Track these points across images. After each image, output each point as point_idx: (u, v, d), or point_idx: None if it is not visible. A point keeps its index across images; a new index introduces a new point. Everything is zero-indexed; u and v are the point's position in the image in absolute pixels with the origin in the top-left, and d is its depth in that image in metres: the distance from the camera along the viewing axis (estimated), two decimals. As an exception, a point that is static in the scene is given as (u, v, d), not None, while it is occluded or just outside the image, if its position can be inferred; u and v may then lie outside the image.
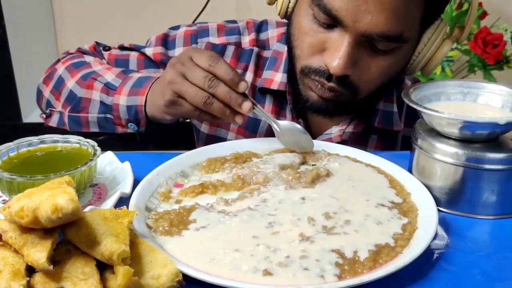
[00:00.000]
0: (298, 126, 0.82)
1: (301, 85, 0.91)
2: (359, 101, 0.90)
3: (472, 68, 2.17)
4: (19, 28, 2.29)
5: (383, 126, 0.99)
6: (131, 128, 0.92)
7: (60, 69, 1.01)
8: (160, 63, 1.03)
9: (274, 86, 0.98)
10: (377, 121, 0.98)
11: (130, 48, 1.07)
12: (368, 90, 0.88)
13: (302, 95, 0.91)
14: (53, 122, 1.01)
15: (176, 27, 1.07)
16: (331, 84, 0.85)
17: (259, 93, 1.01)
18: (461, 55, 2.18)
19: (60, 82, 0.99)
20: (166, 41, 1.05)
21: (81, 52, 1.07)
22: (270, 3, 0.94)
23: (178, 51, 1.03)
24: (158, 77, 0.88)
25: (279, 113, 1.01)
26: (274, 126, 0.82)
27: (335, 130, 0.97)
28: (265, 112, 0.81)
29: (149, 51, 1.04)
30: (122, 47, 1.08)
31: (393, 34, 0.80)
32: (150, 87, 0.88)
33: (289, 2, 0.90)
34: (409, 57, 0.89)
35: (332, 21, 0.81)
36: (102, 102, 0.94)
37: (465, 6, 2.07)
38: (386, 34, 0.79)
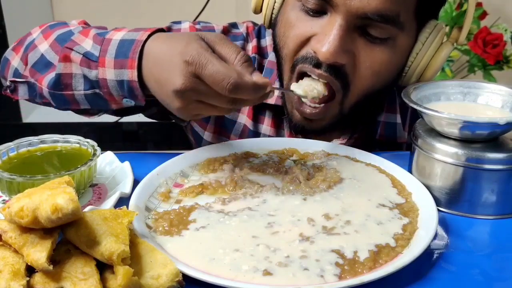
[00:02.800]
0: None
1: (287, 101, 0.85)
2: (350, 108, 0.83)
3: (472, 68, 2.17)
4: (19, 28, 2.29)
5: (385, 139, 0.94)
6: (127, 103, 0.78)
7: (35, 33, 0.87)
8: None
9: (271, 101, 0.93)
10: (379, 133, 0.94)
11: None
12: (359, 91, 0.81)
13: (287, 112, 0.85)
14: (22, 94, 0.85)
15: (179, 22, 1.01)
16: (320, 71, 0.77)
17: (257, 108, 0.96)
18: (461, 55, 2.19)
19: (30, 44, 0.85)
20: None
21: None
22: (256, 12, 0.89)
23: None
24: (146, 39, 0.72)
25: (278, 127, 0.96)
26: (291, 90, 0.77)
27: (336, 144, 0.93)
28: (285, 89, 0.78)
29: None
30: None
31: (388, 13, 0.74)
32: (138, 56, 0.71)
33: (274, 4, 0.86)
34: (405, 57, 0.82)
35: (321, 6, 0.76)
36: (85, 77, 0.77)
37: (465, 6, 2.07)
38: (380, 12, 0.73)
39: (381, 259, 0.59)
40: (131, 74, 0.72)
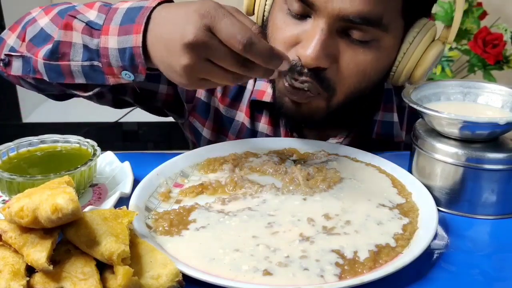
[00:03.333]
0: None
1: (277, 91, 0.85)
2: (338, 106, 0.82)
3: (472, 68, 2.18)
4: (19, 28, 2.29)
5: (382, 138, 0.94)
6: (126, 77, 0.73)
7: (35, 11, 0.83)
8: None
9: (267, 99, 0.93)
10: (375, 132, 0.94)
11: None
12: (346, 90, 0.80)
13: (277, 102, 0.85)
14: (16, 69, 0.81)
15: None
16: (303, 77, 0.76)
17: (255, 106, 0.96)
18: (461, 55, 2.19)
19: (29, 20, 0.82)
20: None
21: None
22: (249, 14, 0.88)
23: None
24: (155, 6, 0.70)
25: (275, 125, 0.97)
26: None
27: (332, 143, 0.92)
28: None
29: None
30: None
31: (370, 15, 0.73)
32: (147, 20, 0.68)
33: (265, 6, 0.86)
34: (392, 57, 0.81)
35: (305, 9, 0.75)
36: (85, 46, 0.74)
37: (465, 7, 2.07)
38: (362, 14, 0.72)
39: (381, 259, 0.59)
40: (135, 40, 0.69)
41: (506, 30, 2.13)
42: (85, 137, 0.77)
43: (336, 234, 0.63)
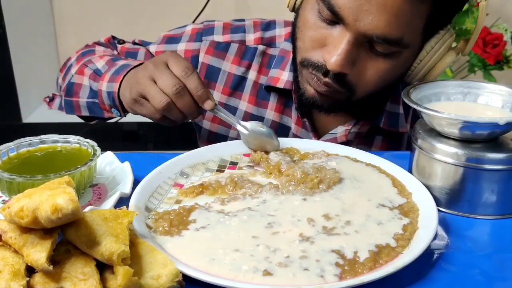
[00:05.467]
0: (263, 128, 0.83)
1: (300, 77, 0.91)
2: (356, 102, 0.89)
3: (472, 68, 2.17)
4: (19, 28, 2.29)
5: (388, 128, 0.99)
6: (115, 113, 0.95)
7: (73, 57, 1.08)
8: None
9: (280, 85, 0.99)
10: (382, 122, 0.98)
11: (139, 44, 1.11)
12: (364, 92, 0.87)
13: (299, 88, 0.91)
14: (55, 105, 1.08)
15: (184, 26, 1.09)
16: (326, 79, 0.85)
17: (264, 91, 1.02)
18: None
19: (69, 69, 1.06)
20: (172, 39, 1.07)
21: (97, 44, 1.12)
22: None
23: (180, 46, 1.05)
24: (136, 66, 0.90)
25: (283, 112, 1.02)
26: (240, 128, 0.83)
27: (340, 130, 0.98)
28: (228, 113, 0.83)
29: (152, 48, 1.07)
30: (134, 42, 1.12)
31: (392, 38, 0.79)
32: (124, 76, 0.89)
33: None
34: (410, 63, 0.89)
35: (334, 18, 0.81)
36: (90, 88, 0.98)
37: (465, 6, 2.07)
38: (385, 37, 0.79)
39: (381, 259, 0.59)
40: (115, 86, 0.90)
41: (506, 30, 2.13)
42: (85, 137, 0.77)
43: (336, 234, 0.63)
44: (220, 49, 1.03)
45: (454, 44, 0.91)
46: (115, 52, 1.09)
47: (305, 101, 0.90)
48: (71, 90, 1.01)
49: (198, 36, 1.05)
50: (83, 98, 0.99)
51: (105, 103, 0.94)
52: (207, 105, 0.80)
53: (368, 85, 0.86)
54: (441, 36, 0.88)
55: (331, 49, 0.82)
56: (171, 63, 0.80)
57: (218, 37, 1.04)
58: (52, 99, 1.09)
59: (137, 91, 0.81)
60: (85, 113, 1.01)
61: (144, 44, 1.10)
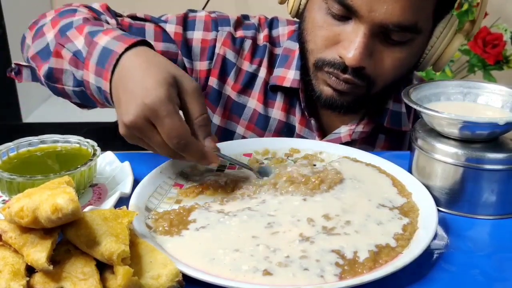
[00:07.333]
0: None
1: (314, 80, 0.90)
2: (374, 95, 0.90)
3: (472, 68, 2.17)
4: (19, 28, 2.28)
5: (391, 126, 0.99)
6: (110, 105, 0.79)
7: (50, 15, 0.90)
8: (178, 43, 1.00)
9: (287, 84, 0.98)
10: (386, 120, 0.98)
11: (145, 19, 1.02)
12: (383, 82, 0.88)
13: (315, 90, 0.90)
14: (26, 77, 0.91)
15: (195, 10, 1.05)
16: (346, 76, 0.84)
17: (270, 90, 1.01)
18: (461, 55, 2.18)
19: (39, 30, 0.88)
20: (185, 21, 1.02)
21: (86, 7, 0.94)
22: (281, 2, 0.94)
23: (196, 34, 1.01)
24: (124, 52, 0.73)
25: (289, 111, 1.01)
26: (255, 173, 0.77)
27: (344, 130, 0.97)
28: (237, 161, 0.77)
29: (169, 28, 1.00)
30: (133, 17, 1.02)
31: (408, 24, 0.80)
32: (112, 73, 0.73)
33: (300, 2, 0.91)
34: (423, 50, 0.89)
35: (346, 13, 0.81)
36: (74, 75, 0.82)
37: (465, 6, 2.07)
38: (401, 24, 0.79)
39: (381, 259, 0.59)
40: (105, 85, 0.74)
41: (506, 30, 2.13)
42: (85, 137, 0.77)
43: (336, 234, 0.63)
44: (236, 43, 1.01)
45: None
46: (112, 21, 0.92)
47: (324, 102, 0.90)
48: (51, 76, 0.84)
49: (213, 24, 1.02)
50: (68, 86, 0.84)
51: (96, 96, 0.79)
52: (212, 166, 0.73)
53: (387, 76, 0.86)
54: (447, 21, 0.88)
55: (347, 44, 0.82)
56: (164, 127, 0.65)
57: (233, 30, 1.02)
58: (18, 71, 0.91)
59: (145, 116, 0.66)
60: (76, 100, 0.87)
61: (153, 19, 1.01)
